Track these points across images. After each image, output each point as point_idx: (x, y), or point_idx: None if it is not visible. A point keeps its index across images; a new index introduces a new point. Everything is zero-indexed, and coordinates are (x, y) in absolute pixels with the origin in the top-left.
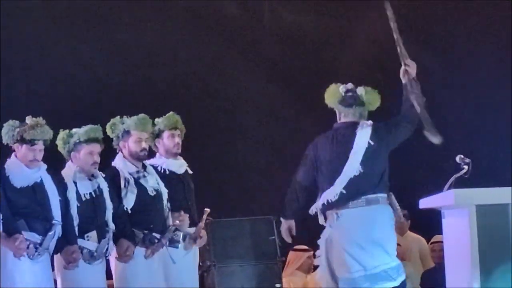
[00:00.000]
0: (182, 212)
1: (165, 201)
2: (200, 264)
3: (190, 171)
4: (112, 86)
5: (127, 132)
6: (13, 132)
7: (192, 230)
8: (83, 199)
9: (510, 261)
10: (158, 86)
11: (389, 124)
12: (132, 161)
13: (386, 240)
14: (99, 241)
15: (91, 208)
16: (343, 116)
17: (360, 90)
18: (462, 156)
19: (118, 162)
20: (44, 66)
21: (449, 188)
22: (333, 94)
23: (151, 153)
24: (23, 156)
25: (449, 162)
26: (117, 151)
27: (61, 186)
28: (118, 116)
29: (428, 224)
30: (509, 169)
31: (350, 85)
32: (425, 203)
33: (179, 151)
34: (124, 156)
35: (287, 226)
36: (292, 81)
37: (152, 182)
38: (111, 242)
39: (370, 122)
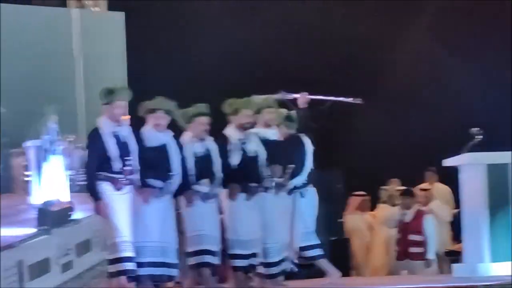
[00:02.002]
0: (277, 166)
1: (262, 160)
2: None
3: (280, 139)
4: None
5: (236, 110)
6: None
7: (281, 180)
8: (197, 156)
9: (510, 204)
10: None
11: None
12: (238, 130)
13: None
14: (210, 186)
15: (203, 162)
16: None
17: None
18: (477, 129)
19: (228, 131)
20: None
21: (466, 151)
22: None
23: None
24: (150, 122)
25: (466, 132)
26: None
27: (179, 147)
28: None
29: (450, 178)
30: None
31: None
32: (447, 162)
33: (274, 124)
34: (234, 126)
35: None
36: None
37: (253, 146)
38: (219, 187)
39: None
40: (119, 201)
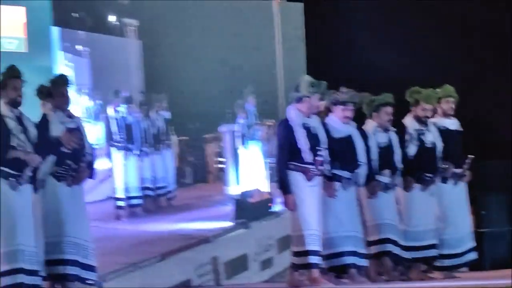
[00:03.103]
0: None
1: (439, 151)
2: None
3: (460, 129)
4: None
5: (417, 101)
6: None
7: (458, 170)
8: (381, 146)
9: None
10: None
11: None
12: (417, 121)
13: None
14: (391, 177)
15: (386, 153)
16: None
17: None
18: None
19: (407, 121)
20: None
21: None
22: None
23: None
24: (338, 114)
25: None
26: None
27: (365, 137)
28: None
29: None
30: None
31: None
32: None
33: (453, 113)
34: (413, 117)
35: None
36: None
37: (430, 137)
38: (399, 177)
39: None
40: (309, 193)
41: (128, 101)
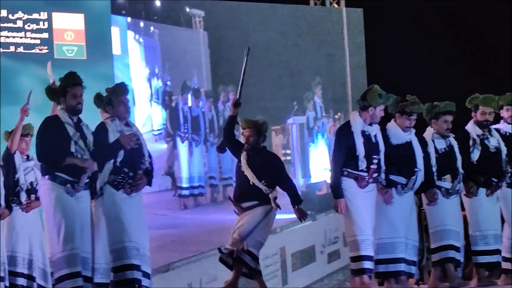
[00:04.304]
0: None
1: (503, 156)
2: None
3: None
4: None
5: (476, 106)
6: (397, 105)
7: None
8: (440, 152)
9: None
10: None
11: None
12: (478, 126)
13: None
14: (452, 182)
15: (446, 159)
16: None
17: None
18: None
19: (469, 127)
20: None
21: None
22: None
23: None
24: (401, 123)
25: None
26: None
27: (423, 144)
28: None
29: None
30: None
31: None
32: None
33: None
34: (474, 122)
35: None
36: None
37: (494, 142)
38: (461, 183)
39: None
40: (362, 198)
41: (195, 92)
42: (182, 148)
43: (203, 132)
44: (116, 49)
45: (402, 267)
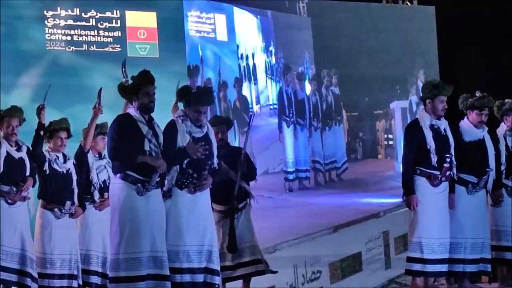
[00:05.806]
0: None
1: None
2: None
3: None
4: None
5: None
6: (466, 101)
7: None
8: (511, 150)
9: None
10: None
11: None
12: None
13: None
14: None
15: None
16: None
17: None
18: None
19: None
20: None
21: None
22: None
23: None
24: (473, 119)
25: None
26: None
27: (494, 141)
28: None
29: None
30: None
31: None
32: None
33: None
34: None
35: None
36: None
37: None
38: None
39: None
40: (434, 200)
41: (300, 76)
42: (288, 132)
43: (308, 116)
44: (222, 36)
45: (474, 268)
